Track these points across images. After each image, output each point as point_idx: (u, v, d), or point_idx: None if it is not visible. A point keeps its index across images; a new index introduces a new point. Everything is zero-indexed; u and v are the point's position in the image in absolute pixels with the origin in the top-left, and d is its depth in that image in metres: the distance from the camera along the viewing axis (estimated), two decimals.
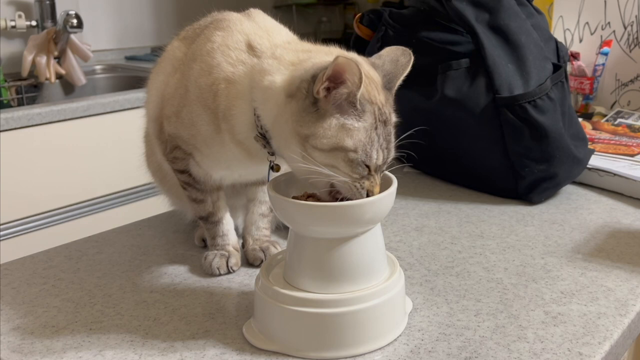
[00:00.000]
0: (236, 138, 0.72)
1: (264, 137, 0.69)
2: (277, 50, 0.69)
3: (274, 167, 0.73)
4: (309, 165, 0.63)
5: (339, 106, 0.62)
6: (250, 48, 0.71)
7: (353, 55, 0.68)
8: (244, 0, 1.67)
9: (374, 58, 0.70)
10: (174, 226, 0.99)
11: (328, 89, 0.62)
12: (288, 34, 0.75)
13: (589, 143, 1.16)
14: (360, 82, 0.60)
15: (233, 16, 0.76)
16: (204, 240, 0.89)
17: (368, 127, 0.63)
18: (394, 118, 0.68)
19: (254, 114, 0.68)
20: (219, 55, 0.71)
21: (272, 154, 0.70)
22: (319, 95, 0.62)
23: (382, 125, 0.64)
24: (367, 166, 0.63)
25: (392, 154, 0.66)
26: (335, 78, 0.61)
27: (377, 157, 0.64)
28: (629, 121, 1.40)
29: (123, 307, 0.75)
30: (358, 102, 0.62)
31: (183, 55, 0.79)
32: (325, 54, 0.68)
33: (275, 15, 0.76)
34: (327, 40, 0.73)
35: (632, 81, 1.51)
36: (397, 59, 0.70)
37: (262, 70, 0.68)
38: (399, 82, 0.69)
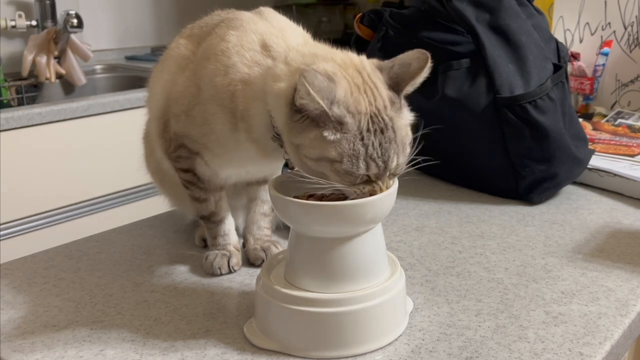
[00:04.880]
0: (252, 136, 0.72)
1: (280, 138, 0.69)
2: (290, 53, 0.68)
3: (289, 164, 0.73)
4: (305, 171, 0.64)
5: (317, 117, 0.61)
6: (265, 48, 0.70)
7: (350, 58, 0.67)
8: (245, 0, 1.68)
9: (389, 61, 0.67)
10: (174, 226, 0.99)
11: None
12: (302, 34, 0.75)
13: (590, 143, 1.16)
14: (319, 104, 0.59)
15: (246, 15, 0.76)
16: (204, 240, 0.89)
17: (350, 138, 0.61)
18: (403, 121, 0.65)
19: (270, 116, 0.68)
20: (235, 55, 0.71)
21: None
22: (298, 105, 0.61)
23: (376, 133, 0.62)
24: (367, 175, 0.62)
25: (398, 160, 0.63)
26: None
27: (368, 167, 0.61)
28: (629, 121, 1.40)
29: (124, 306, 0.75)
30: (330, 116, 0.60)
31: (190, 53, 0.78)
32: (325, 61, 0.65)
33: None
34: (327, 41, 0.73)
35: (632, 81, 1.51)
36: (410, 62, 0.66)
37: (274, 76, 0.67)
38: (409, 86, 0.66)
